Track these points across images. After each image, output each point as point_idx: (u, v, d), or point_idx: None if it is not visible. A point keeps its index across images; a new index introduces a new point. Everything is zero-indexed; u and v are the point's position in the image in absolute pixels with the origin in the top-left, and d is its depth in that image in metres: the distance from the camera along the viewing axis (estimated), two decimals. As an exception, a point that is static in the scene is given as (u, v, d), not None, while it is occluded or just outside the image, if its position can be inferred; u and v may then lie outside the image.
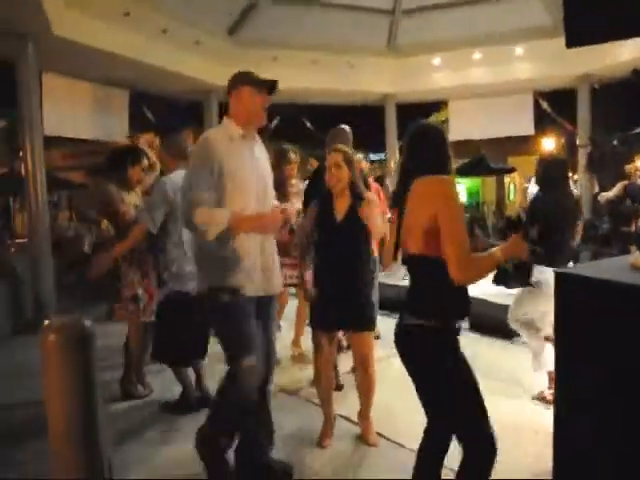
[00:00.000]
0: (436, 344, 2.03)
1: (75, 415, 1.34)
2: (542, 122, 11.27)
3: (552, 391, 3.35)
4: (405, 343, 2.09)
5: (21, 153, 6.84)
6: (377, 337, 5.00)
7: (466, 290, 2.09)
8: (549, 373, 3.61)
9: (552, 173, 3.72)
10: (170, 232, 3.57)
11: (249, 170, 2.54)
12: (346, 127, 3.95)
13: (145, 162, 4.08)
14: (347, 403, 3.56)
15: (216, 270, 2.47)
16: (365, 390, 3.20)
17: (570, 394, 2.29)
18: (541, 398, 3.65)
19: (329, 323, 3.14)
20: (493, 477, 2.66)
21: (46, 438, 2.91)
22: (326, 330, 3.15)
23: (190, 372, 3.81)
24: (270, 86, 2.58)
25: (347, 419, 3.44)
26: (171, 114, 10.57)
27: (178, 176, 3.58)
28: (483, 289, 3.85)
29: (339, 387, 3.88)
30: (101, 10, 6.94)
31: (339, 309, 3.05)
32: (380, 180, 7.10)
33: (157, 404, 3.81)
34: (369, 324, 3.15)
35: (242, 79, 2.56)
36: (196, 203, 2.35)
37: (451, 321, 2.05)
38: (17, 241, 10.08)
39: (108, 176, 4.02)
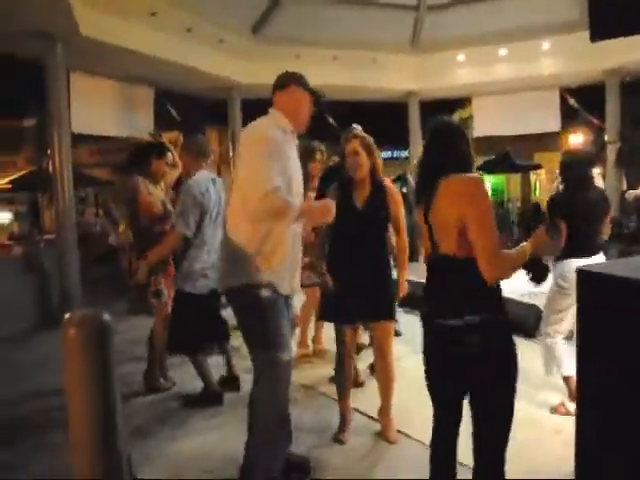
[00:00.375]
0: (505, 337, 2.00)
1: (94, 406, 1.37)
2: (569, 118, 11.07)
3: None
4: (470, 342, 1.94)
5: (49, 151, 6.99)
6: (397, 334, 5.00)
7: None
8: (567, 379, 3.44)
9: (576, 168, 3.65)
10: (198, 233, 3.61)
11: (294, 165, 2.54)
12: (358, 126, 3.94)
13: (169, 156, 4.13)
14: (366, 399, 3.56)
15: (253, 266, 2.42)
16: (384, 380, 3.20)
17: (593, 394, 2.26)
18: (561, 411, 3.44)
19: (351, 315, 3.13)
20: (514, 477, 2.65)
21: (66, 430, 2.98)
22: (349, 323, 3.16)
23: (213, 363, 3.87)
24: (317, 97, 2.59)
25: (366, 415, 3.44)
26: (195, 112, 10.68)
27: (203, 177, 3.65)
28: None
29: (359, 384, 3.88)
30: (127, 10, 7.07)
31: (360, 300, 3.04)
32: (401, 179, 7.02)
33: (180, 398, 3.86)
34: (389, 313, 3.14)
35: (298, 80, 2.56)
36: (275, 189, 2.24)
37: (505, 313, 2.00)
38: (45, 237, 10.30)
39: (132, 171, 4.07)
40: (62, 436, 3.10)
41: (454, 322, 1.93)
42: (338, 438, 3.15)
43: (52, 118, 6.76)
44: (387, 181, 3.23)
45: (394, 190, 3.18)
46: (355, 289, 3.01)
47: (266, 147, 2.33)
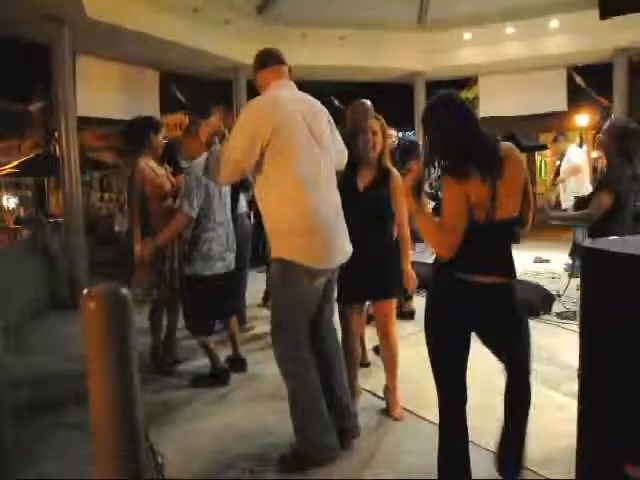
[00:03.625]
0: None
1: (115, 379, 1.42)
2: (576, 98, 10.96)
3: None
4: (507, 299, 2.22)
5: (56, 134, 7.01)
6: (411, 314, 5.06)
7: None
8: None
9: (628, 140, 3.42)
10: (204, 214, 3.64)
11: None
12: (367, 101, 3.93)
13: (164, 131, 4.14)
14: (373, 379, 3.63)
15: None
16: (388, 358, 3.27)
17: (596, 370, 2.30)
18: None
19: (357, 296, 3.19)
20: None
21: (79, 409, 3.04)
22: (355, 303, 3.21)
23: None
24: None
25: (373, 393, 3.51)
26: (200, 93, 10.62)
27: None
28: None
29: (366, 364, 3.94)
30: (132, -9, 7.03)
31: (363, 280, 3.09)
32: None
33: (187, 378, 3.92)
34: (392, 292, 3.20)
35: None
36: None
37: None
38: (51, 220, 10.37)
39: (133, 149, 4.01)
40: (75, 415, 3.21)
41: (510, 282, 2.19)
42: None
43: (58, 102, 6.77)
44: (394, 169, 3.24)
45: (399, 179, 3.13)
46: (356, 270, 2.98)
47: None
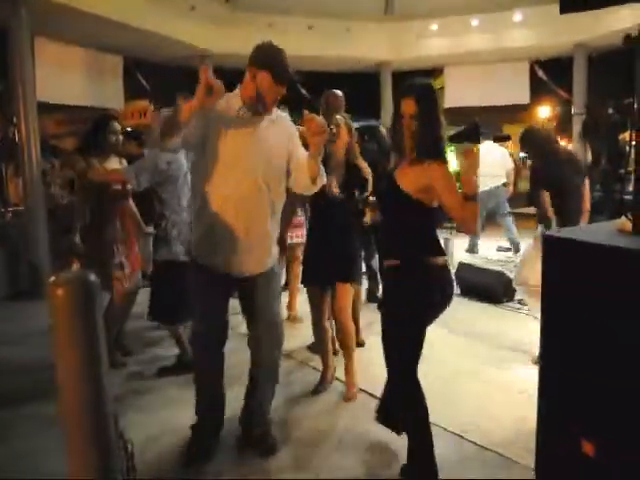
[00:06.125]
0: None
1: (84, 366, 1.41)
2: (538, 90, 11.21)
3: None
4: None
5: (15, 119, 6.80)
6: (377, 300, 5.17)
7: None
8: None
9: (535, 142, 3.85)
10: (166, 201, 3.66)
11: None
12: (339, 92, 3.98)
13: (116, 126, 4.05)
14: (342, 367, 3.68)
15: None
16: (342, 340, 3.43)
17: (555, 355, 2.38)
18: None
19: (316, 278, 3.37)
20: (476, 439, 2.80)
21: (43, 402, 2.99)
22: (313, 285, 3.40)
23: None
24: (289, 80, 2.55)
25: (339, 380, 3.57)
26: (166, 81, 10.43)
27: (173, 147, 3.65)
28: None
29: (335, 351, 4.00)
30: (94, -27, 6.82)
31: (323, 265, 3.30)
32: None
33: (153, 369, 3.89)
34: (349, 277, 3.33)
35: (265, 63, 2.45)
36: None
37: None
38: (11, 209, 10.05)
39: (88, 151, 3.97)
40: (38, 407, 3.15)
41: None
42: (315, 390, 3.45)
43: (16, 85, 6.53)
44: (360, 160, 3.36)
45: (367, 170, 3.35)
46: (319, 254, 3.32)
47: None
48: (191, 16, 8.64)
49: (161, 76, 10.27)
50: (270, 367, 2.77)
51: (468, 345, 4.24)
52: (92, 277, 1.40)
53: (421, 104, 2.24)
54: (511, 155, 8.79)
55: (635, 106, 2.01)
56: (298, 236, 4.62)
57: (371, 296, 5.24)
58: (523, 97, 11.16)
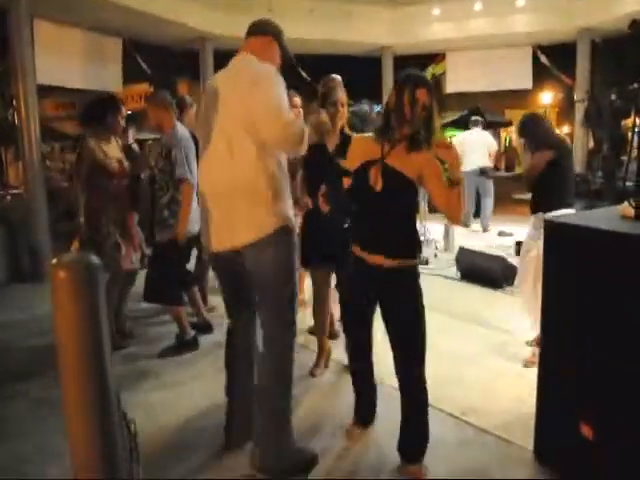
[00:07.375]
0: None
1: (86, 347, 1.42)
2: (540, 76, 11.13)
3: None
4: None
5: (14, 102, 6.76)
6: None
7: None
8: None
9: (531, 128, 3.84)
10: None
11: None
12: (337, 76, 3.94)
13: (124, 111, 4.05)
14: (341, 349, 3.70)
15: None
16: (316, 323, 3.54)
17: (555, 337, 2.40)
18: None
19: (310, 260, 3.39)
20: (476, 422, 2.83)
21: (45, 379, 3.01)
22: (306, 266, 3.44)
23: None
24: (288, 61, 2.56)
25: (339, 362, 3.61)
26: (166, 64, 10.36)
27: (182, 130, 3.74)
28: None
29: (334, 335, 4.01)
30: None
31: (316, 247, 3.31)
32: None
33: (154, 349, 3.92)
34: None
35: (280, 37, 2.51)
36: (294, 119, 2.24)
37: None
38: (11, 192, 10.03)
39: (87, 129, 3.96)
40: (37, 386, 3.17)
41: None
42: (312, 372, 3.48)
43: (16, 68, 6.49)
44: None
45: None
46: (314, 236, 3.33)
47: (280, 82, 2.32)
48: (191, -1, 8.56)
49: (161, 59, 10.19)
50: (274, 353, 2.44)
51: (468, 329, 4.26)
52: (94, 259, 1.40)
53: (432, 96, 2.25)
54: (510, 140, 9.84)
55: None
56: None
57: None
58: (526, 82, 11.09)
